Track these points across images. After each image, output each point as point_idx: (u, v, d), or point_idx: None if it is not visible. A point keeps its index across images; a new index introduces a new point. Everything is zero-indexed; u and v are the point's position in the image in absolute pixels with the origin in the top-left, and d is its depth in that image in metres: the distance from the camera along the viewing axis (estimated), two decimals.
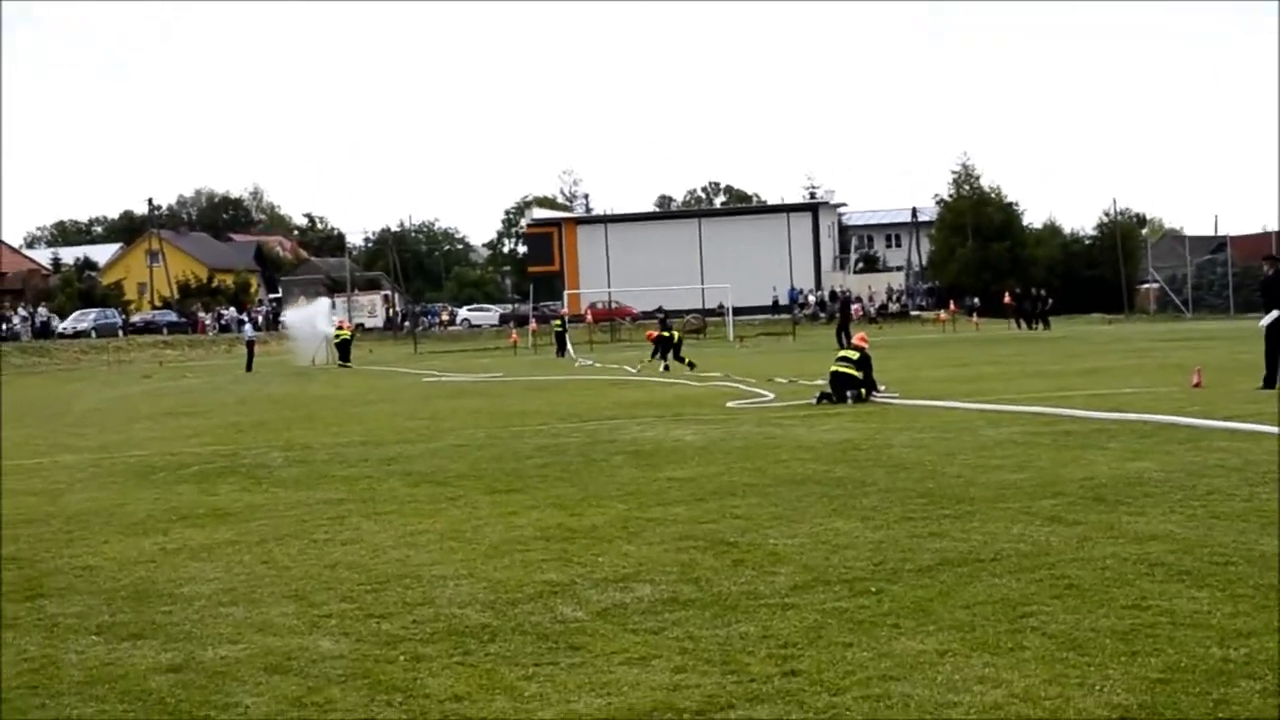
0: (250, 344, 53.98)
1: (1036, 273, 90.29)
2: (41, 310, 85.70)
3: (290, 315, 66.07)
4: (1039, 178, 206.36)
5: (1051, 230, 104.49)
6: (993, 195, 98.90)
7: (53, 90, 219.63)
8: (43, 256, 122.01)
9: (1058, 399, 21.63)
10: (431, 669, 7.15)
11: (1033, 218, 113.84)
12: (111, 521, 12.91)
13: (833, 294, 66.25)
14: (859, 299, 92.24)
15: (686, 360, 38.97)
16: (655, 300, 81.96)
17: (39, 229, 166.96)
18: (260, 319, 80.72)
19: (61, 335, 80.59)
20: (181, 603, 9.06)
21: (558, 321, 61.89)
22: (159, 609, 8.90)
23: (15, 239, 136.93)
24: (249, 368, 52.45)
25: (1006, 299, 73.83)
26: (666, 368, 38.97)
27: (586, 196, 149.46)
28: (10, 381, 51.08)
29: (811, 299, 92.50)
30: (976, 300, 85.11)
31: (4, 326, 78.46)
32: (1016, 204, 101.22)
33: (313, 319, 59.35)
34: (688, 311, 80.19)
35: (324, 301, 65.61)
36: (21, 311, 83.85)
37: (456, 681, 6.90)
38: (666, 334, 41.19)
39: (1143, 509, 10.97)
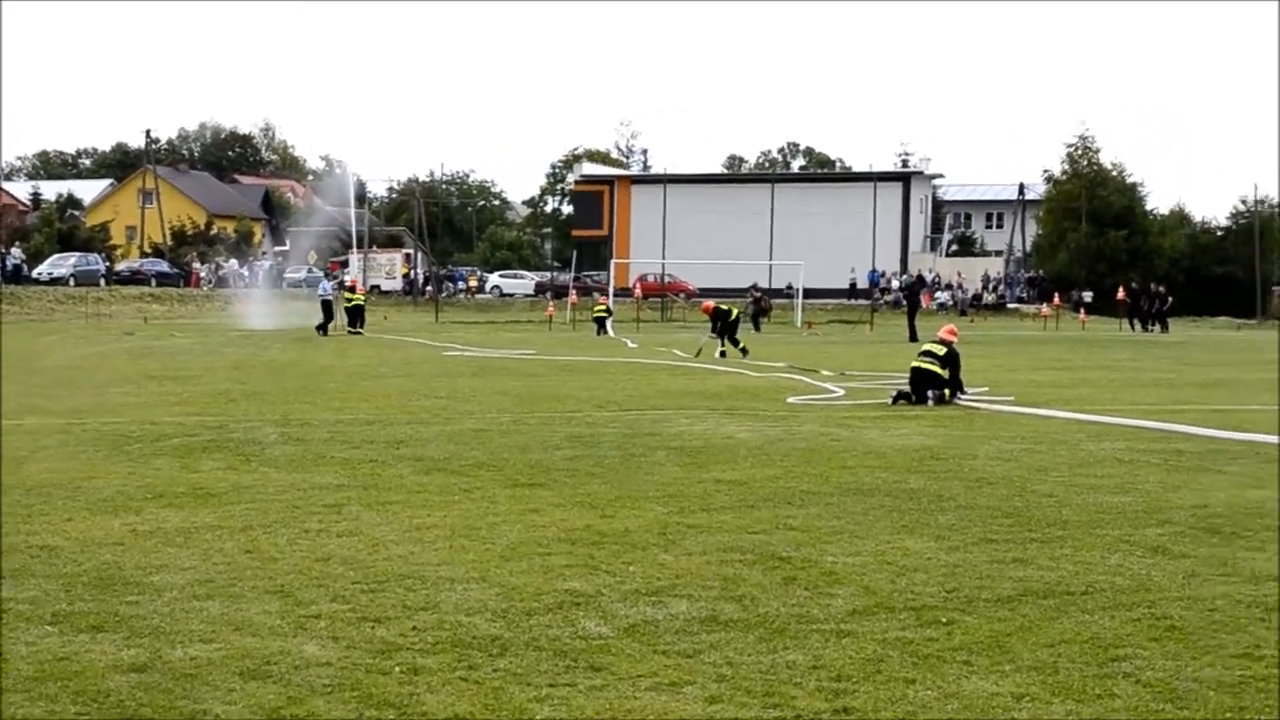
0: (328, 303, 53.81)
1: (1159, 266, 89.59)
2: (15, 252, 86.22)
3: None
4: (1166, 155, 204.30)
5: (1179, 218, 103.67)
6: (1114, 174, 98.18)
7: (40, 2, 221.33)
8: (20, 190, 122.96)
9: (1171, 413, 21.48)
10: (430, 684, 7.18)
11: (1157, 202, 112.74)
12: (77, 496, 13.01)
13: (919, 278, 65.60)
14: (948, 285, 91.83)
15: (741, 345, 38.94)
16: (714, 275, 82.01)
17: (18, 159, 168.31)
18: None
19: (36, 281, 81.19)
20: (150, 593, 9.13)
21: (601, 308, 61.54)
22: (124, 599, 8.97)
23: None
24: (324, 329, 52.03)
25: (1120, 294, 73.32)
26: (723, 353, 38.91)
27: (645, 152, 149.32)
28: None
29: (895, 284, 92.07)
30: (1086, 295, 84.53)
31: None
32: (1141, 185, 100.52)
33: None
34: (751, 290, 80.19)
35: None
36: None
37: (458, 699, 6.93)
38: (725, 307, 41.05)
39: (1262, 544, 10.90)
